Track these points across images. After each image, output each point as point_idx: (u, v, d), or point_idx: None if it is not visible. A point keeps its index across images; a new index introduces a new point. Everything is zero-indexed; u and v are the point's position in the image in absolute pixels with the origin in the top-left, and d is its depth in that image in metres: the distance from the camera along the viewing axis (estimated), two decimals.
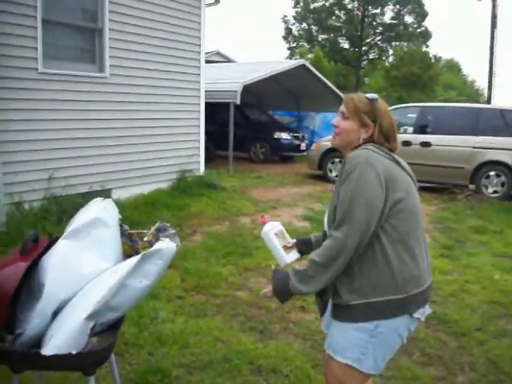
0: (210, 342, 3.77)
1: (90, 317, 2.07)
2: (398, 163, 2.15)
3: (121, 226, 2.60)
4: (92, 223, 2.36)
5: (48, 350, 2.01)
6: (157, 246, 2.27)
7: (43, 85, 6.74)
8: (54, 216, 6.18)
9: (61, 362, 2.06)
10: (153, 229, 2.53)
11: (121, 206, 7.47)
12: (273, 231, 2.52)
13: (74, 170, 7.26)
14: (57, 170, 6.97)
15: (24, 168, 6.58)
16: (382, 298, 2.03)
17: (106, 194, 7.48)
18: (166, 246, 2.28)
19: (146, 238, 2.52)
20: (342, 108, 2.26)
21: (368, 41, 47.19)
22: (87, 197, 6.94)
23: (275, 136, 15.24)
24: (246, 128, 14.91)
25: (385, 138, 2.18)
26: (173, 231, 2.49)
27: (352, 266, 2.05)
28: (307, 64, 15.38)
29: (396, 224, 2.05)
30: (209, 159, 13.19)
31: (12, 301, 2.12)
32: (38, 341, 2.10)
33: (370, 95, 2.27)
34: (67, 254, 2.25)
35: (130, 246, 2.60)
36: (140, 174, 8.53)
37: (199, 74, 9.67)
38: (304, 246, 2.56)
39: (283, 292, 2.16)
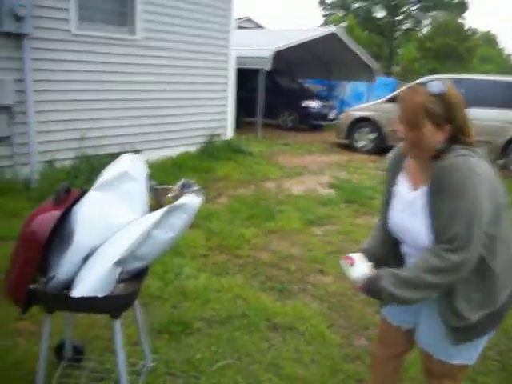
0: (230, 298, 3.92)
1: (118, 263, 2.20)
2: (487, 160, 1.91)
3: (148, 181, 2.71)
4: (121, 177, 2.48)
5: (77, 292, 2.16)
6: (181, 200, 2.37)
7: (76, 46, 6.86)
8: (84, 175, 6.36)
9: (89, 304, 2.21)
10: (178, 185, 2.63)
11: (149, 166, 7.61)
12: (364, 270, 2.05)
13: (105, 130, 7.42)
14: (88, 130, 7.14)
15: (57, 127, 6.77)
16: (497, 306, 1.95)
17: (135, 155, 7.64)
18: (191, 200, 2.38)
19: (171, 194, 2.63)
20: (405, 115, 1.87)
21: (403, 10, 45.95)
22: (116, 157, 7.12)
23: (304, 104, 15.15)
24: (275, 95, 14.85)
25: (463, 134, 1.87)
26: (197, 187, 2.58)
27: (470, 281, 1.90)
28: (338, 33, 15.11)
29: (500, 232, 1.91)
30: (238, 125, 13.25)
31: (46, 246, 2.26)
32: (69, 284, 2.25)
33: (435, 87, 1.83)
34: (96, 205, 2.38)
35: (157, 201, 2.71)
36: (169, 137, 8.66)
37: (228, 39, 9.67)
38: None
39: (372, 288, 1.96)
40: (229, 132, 10.20)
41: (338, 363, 3.11)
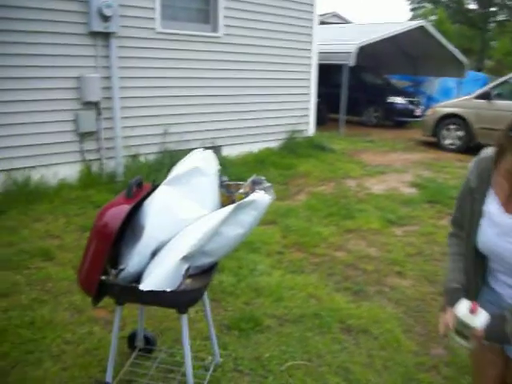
0: (303, 297, 3.85)
1: (185, 259, 2.20)
2: None
3: (220, 176, 2.70)
4: (192, 172, 2.48)
5: (145, 285, 2.18)
6: (251, 197, 2.33)
7: (160, 44, 7.03)
8: (166, 168, 6.49)
9: (156, 297, 2.22)
10: (249, 181, 2.60)
11: (229, 162, 7.77)
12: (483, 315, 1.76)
13: (187, 126, 7.57)
14: (171, 125, 7.31)
15: (141, 123, 6.98)
16: None
17: (216, 150, 7.73)
18: (261, 197, 2.34)
19: (241, 190, 2.60)
20: None
21: (498, 0, 43.43)
22: None
23: (389, 100, 14.72)
24: (360, 91, 14.54)
25: None
26: (268, 184, 2.54)
27: None
28: (426, 26, 14.52)
29: None
30: (321, 122, 13.10)
31: (116, 239, 2.30)
32: (138, 277, 2.28)
33: None
34: (167, 199, 2.39)
35: (228, 197, 2.69)
36: (250, 133, 8.70)
37: (311, 35, 9.56)
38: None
39: (499, 334, 1.73)
40: (311, 128, 10.10)
41: (411, 371, 2.96)
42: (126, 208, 2.25)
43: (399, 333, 3.38)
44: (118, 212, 2.25)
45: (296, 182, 7.48)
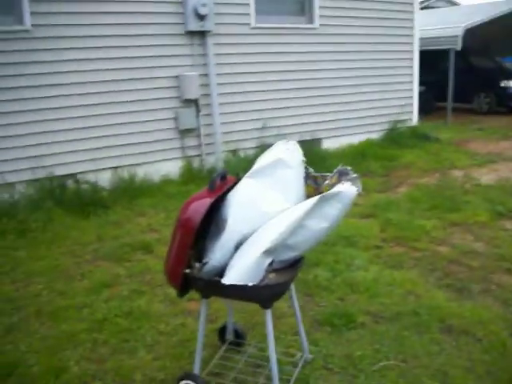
0: (401, 294, 3.67)
1: (267, 253, 2.16)
2: None
3: (306, 168, 2.62)
4: (275, 164, 2.44)
5: (227, 279, 2.16)
6: (336, 188, 2.23)
7: (255, 39, 7.07)
8: None
9: (238, 292, 2.20)
10: (335, 172, 2.50)
11: (329, 155, 7.65)
12: None
13: (286, 119, 7.55)
14: (269, 119, 7.32)
15: (239, 118, 7.07)
16: None
17: (316, 143, 7.68)
18: (346, 189, 2.23)
19: (327, 181, 2.50)
20: None
21: None
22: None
23: (502, 85, 13.71)
24: (469, 77, 13.70)
25: None
26: (355, 175, 2.42)
27: None
28: None
29: None
30: (428, 111, 12.54)
31: (200, 232, 2.31)
32: (222, 270, 2.27)
33: None
34: (249, 192, 2.36)
35: (315, 189, 2.61)
36: (350, 125, 8.52)
37: (412, 19, 9.13)
38: None
39: None
40: (414, 117, 9.68)
41: None
42: (207, 201, 2.25)
43: (506, 336, 3.10)
44: (201, 205, 2.25)
45: (398, 174, 7.20)
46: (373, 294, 3.65)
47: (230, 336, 2.97)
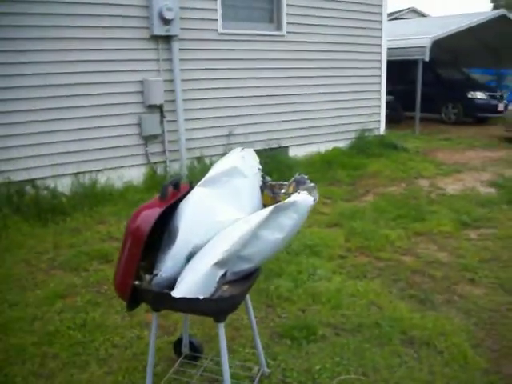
0: (363, 304, 3.61)
1: (219, 264, 2.06)
2: None
3: (263, 177, 2.55)
4: (229, 172, 2.35)
5: (177, 292, 2.06)
6: (292, 198, 2.16)
7: (222, 45, 6.99)
8: None
9: (189, 305, 2.10)
10: (292, 180, 2.42)
11: (296, 163, 7.60)
12: None
13: (252, 127, 7.48)
14: (236, 127, 7.24)
15: (205, 125, 6.97)
16: None
17: (282, 151, 7.62)
18: (302, 199, 2.15)
19: (284, 190, 2.43)
20: None
21: None
22: (264, 153, 7.15)
23: (469, 95, 13.96)
24: (436, 87, 13.92)
25: None
26: (312, 184, 2.35)
27: None
28: (509, 14, 13.62)
29: None
30: (396, 120, 12.65)
31: (151, 243, 2.20)
32: (173, 282, 2.17)
33: None
34: (202, 201, 2.27)
35: (272, 198, 2.53)
36: (317, 133, 8.49)
37: (381, 29, 9.19)
38: None
39: None
40: (382, 127, 9.72)
41: None
42: (157, 210, 2.15)
43: (467, 347, 3.06)
44: (150, 214, 2.15)
45: (364, 183, 7.19)
46: (335, 305, 3.59)
47: (185, 349, 2.86)
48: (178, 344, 2.91)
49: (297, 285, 3.90)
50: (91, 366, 2.89)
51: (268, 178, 2.55)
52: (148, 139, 6.44)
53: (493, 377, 2.80)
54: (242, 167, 2.37)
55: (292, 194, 2.35)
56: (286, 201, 2.15)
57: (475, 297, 3.77)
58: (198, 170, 6.62)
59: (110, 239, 4.86)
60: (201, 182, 2.34)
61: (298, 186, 2.40)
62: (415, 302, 3.70)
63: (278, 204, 2.13)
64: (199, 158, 6.83)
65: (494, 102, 14.10)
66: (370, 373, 2.83)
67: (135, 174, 6.34)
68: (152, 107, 6.36)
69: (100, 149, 6.09)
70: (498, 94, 14.47)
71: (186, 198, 2.30)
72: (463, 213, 5.69)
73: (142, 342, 3.11)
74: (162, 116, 6.46)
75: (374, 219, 5.55)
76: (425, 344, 3.11)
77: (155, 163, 6.55)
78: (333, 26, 8.33)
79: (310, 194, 2.23)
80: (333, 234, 5.07)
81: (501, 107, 13.99)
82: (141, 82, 6.23)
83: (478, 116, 14.39)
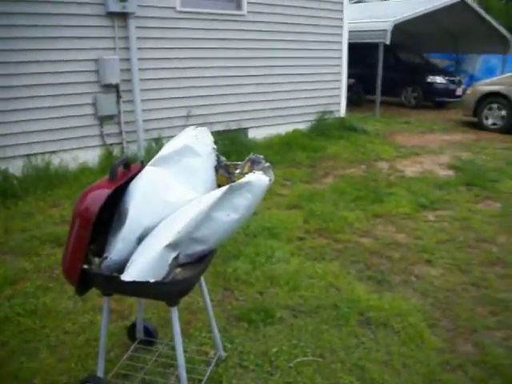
0: (322, 286, 3.60)
1: (170, 246, 1.99)
2: None
3: (218, 157, 2.47)
4: (181, 151, 2.28)
5: (127, 275, 1.98)
6: (246, 178, 2.09)
7: (181, 23, 6.81)
8: None
9: (140, 289, 2.03)
10: (246, 160, 2.35)
11: (256, 145, 7.53)
12: None
13: (211, 108, 7.36)
14: (194, 107, 7.11)
15: (163, 105, 6.81)
16: None
17: (242, 132, 7.53)
18: (257, 179, 2.09)
19: (238, 170, 2.36)
20: None
21: None
22: (223, 135, 7.06)
23: (428, 80, 14.11)
24: (397, 71, 14.03)
25: None
26: (267, 164, 2.29)
27: None
28: (467, 0, 13.79)
29: None
30: (357, 103, 12.70)
31: (100, 225, 2.11)
32: (123, 265, 2.08)
33: None
34: (152, 181, 2.18)
35: (227, 178, 2.46)
36: (277, 114, 8.42)
37: (342, 11, 9.15)
38: None
39: None
40: (342, 109, 9.73)
41: (434, 371, 2.66)
42: (106, 191, 2.05)
43: (423, 327, 3.08)
44: (98, 195, 2.05)
45: (324, 165, 7.19)
46: (293, 287, 3.57)
47: (139, 334, 2.79)
48: (132, 329, 2.84)
49: (255, 267, 3.87)
50: (42, 353, 2.80)
51: (223, 158, 2.48)
52: (104, 120, 6.25)
53: (448, 356, 2.83)
54: (195, 146, 2.29)
55: (247, 173, 2.29)
56: (240, 181, 2.08)
57: (432, 277, 3.81)
58: (156, 152, 6.43)
59: (63, 223, 4.70)
60: (152, 161, 2.26)
61: (253, 165, 2.33)
62: (373, 283, 3.71)
63: (231, 184, 2.06)
64: (157, 140, 6.68)
65: (452, 86, 14.30)
66: (328, 354, 2.82)
67: (90, 156, 6.16)
68: (108, 87, 6.17)
69: (53, 129, 5.87)
70: (456, 78, 14.68)
71: (136, 178, 2.20)
72: (421, 195, 5.75)
73: (95, 328, 3.01)
74: (118, 96, 6.27)
75: (333, 201, 5.55)
76: (382, 325, 3.12)
77: (111, 144, 6.37)
78: (294, 6, 8.23)
79: (265, 174, 2.17)
80: (292, 216, 5.04)
81: (459, 92, 14.20)
82: (96, 60, 6.02)
83: (436, 100, 14.59)
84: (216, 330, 2.68)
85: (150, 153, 6.43)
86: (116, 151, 6.40)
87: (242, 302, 3.38)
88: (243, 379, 2.59)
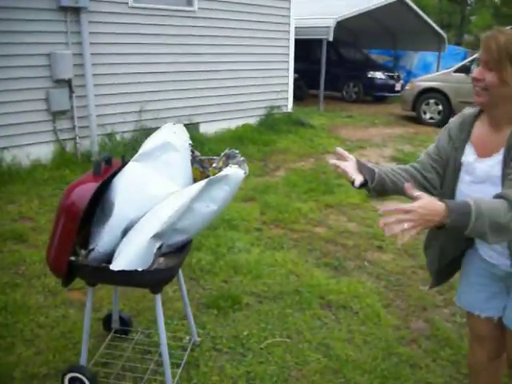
0: (283, 274, 3.80)
1: (156, 237, 2.12)
2: None
3: (192, 152, 2.61)
4: (161, 147, 2.39)
5: (116, 265, 2.10)
6: (224, 171, 2.25)
7: (133, 19, 6.83)
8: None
9: (127, 278, 2.14)
10: (222, 155, 2.51)
11: (207, 139, 7.66)
12: None
13: (164, 103, 7.41)
14: (147, 102, 7.15)
15: (116, 100, 6.82)
16: None
17: (193, 127, 7.63)
18: (234, 172, 2.26)
19: (215, 165, 2.52)
20: (484, 53, 1.68)
21: None
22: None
23: (369, 75, 14.64)
24: (339, 66, 14.48)
25: None
26: (242, 158, 2.46)
27: None
28: None
29: None
30: (300, 98, 12.99)
31: (85, 218, 2.21)
32: (109, 257, 2.20)
33: None
34: (136, 176, 2.31)
35: (201, 172, 2.61)
36: (228, 109, 8.57)
37: (289, 8, 9.38)
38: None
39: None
40: (290, 104, 9.98)
41: (392, 346, 2.94)
42: (93, 185, 2.16)
43: (379, 307, 3.35)
44: (86, 190, 2.15)
45: (275, 158, 7.41)
46: (256, 276, 3.75)
47: (115, 324, 2.90)
48: (107, 319, 2.94)
49: (217, 257, 4.02)
50: (18, 347, 2.84)
51: (197, 153, 2.63)
52: (56, 115, 6.21)
53: (403, 331, 3.11)
54: (174, 142, 2.42)
55: (222, 168, 2.45)
56: (218, 174, 2.24)
57: (383, 262, 4.09)
58: (110, 147, 6.50)
59: (22, 219, 4.69)
60: (135, 157, 2.37)
61: (228, 160, 2.49)
62: (330, 269, 3.95)
63: (211, 177, 2.22)
64: (110, 135, 6.69)
65: (391, 81, 14.87)
66: (295, 335, 3.03)
67: (43, 152, 6.10)
68: (60, 82, 6.12)
69: (4, 125, 5.78)
70: (395, 74, 15.27)
71: (120, 173, 2.32)
72: None
73: (69, 321, 3.09)
74: (71, 91, 6.24)
75: (286, 193, 5.77)
76: (342, 306, 3.36)
77: (64, 140, 6.33)
78: (243, 3, 8.39)
79: (240, 167, 2.34)
80: (248, 208, 5.22)
81: (398, 87, 14.79)
82: (48, 55, 5.97)
83: (377, 95, 15.13)
84: (191, 316, 2.83)
85: (104, 148, 6.46)
86: (69, 147, 6.37)
87: (208, 290, 3.54)
88: (219, 361, 2.76)
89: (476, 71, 1.71)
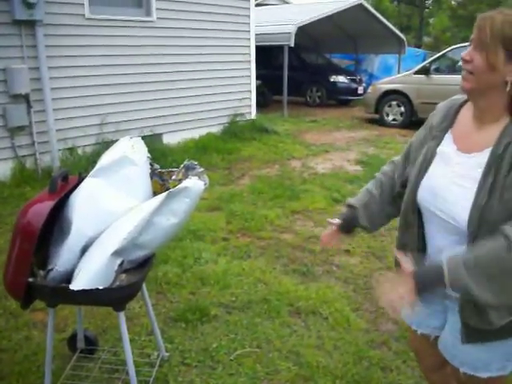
0: (251, 283, 3.78)
1: (117, 253, 2.08)
2: None
3: (151, 164, 2.57)
4: (119, 161, 2.34)
5: (76, 284, 2.04)
6: (184, 184, 2.22)
7: (90, 31, 6.74)
8: None
9: (89, 296, 2.09)
10: (181, 167, 2.48)
11: (171, 150, 7.60)
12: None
13: (125, 115, 7.33)
14: (108, 115, 7.07)
15: (76, 114, 6.71)
16: None
17: (157, 138, 7.57)
18: (194, 184, 2.24)
19: (174, 177, 2.48)
20: (475, 33, 1.51)
21: None
22: None
23: (332, 79, 14.78)
24: (301, 72, 14.59)
25: None
26: (201, 169, 2.43)
27: None
28: (365, 3, 14.62)
29: None
30: (265, 104, 13.03)
31: (42, 238, 2.15)
32: (69, 276, 2.14)
33: None
34: (94, 192, 2.25)
35: (161, 185, 2.58)
36: (190, 119, 8.52)
37: (249, 16, 9.41)
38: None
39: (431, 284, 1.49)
40: (253, 111, 9.99)
41: (362, 349, 2.94)
42: (49, 204, 2.10)
43: (349, 312, 3.36)
44: (41, 209, 2.09)
45: (239, 166, 7.40)
46: (223, 286, 3.72)
47: (81, 344, 2.83)
48: (72, 339, 2.86)
49: (184, 269, 3.98)
50: None
51: (157, 166, 2.59)
52: (14, 131, 6.07)
53: (373, 334, 3.12)
54: (131, 156, 2.37)
55: (182, 179, 2.42)
56: (178, 186, 2.21)
57: (351, 265, 4.11)
58: (71, 162, 6.39)
59: None
60: (91, 173, 2.32)
61: (188, 172, 2.47)
62: (298, 276, 3.95)
63: (170, 190, 2.18)
64: (71, 149, 6.57)
65: (354, 85, 15.06)
66: (264, 345, 3.00)
67: (2, 169, 5.95)
68: (17, 97, 5.99)
69: None
70: (357, 77, 15.47)
71: (77, 190, 2.26)
72: (334, 190, 6.10)
73: (32, 343, 3.00)
74: (29, 106, 6.11)
75: (252, 201, 5.76)
76: (311, 313, 3.36)
77: (23, 156, 6.19)
78: (202, 12, 8.36)
79: (200, 178, 2.32)
80: (214, 218, 5.18)
81: (360, 90, 14.98)
82: (3, 70, 5.84)
83: (340, 98, 15.29)
84: (158, 332, 2.78)
85: (66, 163, 6.34)
86: (29, 163, 6.23)
87: (175, 303, 3.49)
88: (188, 376, 2.71)
89: (465, 53, 1.54)
